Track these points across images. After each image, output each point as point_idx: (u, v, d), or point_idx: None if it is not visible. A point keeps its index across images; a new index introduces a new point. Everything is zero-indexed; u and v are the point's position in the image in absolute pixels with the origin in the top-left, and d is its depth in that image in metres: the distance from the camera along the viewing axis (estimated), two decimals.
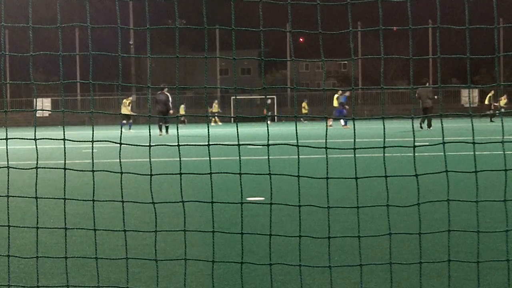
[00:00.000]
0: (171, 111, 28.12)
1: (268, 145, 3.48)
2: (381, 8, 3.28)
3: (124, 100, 36.95)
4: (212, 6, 57.99)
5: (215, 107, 53.80)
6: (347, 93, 36.08)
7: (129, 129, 36.02)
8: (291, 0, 3.37)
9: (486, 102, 41.67)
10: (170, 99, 28.48)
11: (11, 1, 56.66)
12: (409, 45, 3.41)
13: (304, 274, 4.14)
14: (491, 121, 38.19)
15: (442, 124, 3.39)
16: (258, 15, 3.37)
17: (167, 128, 28.44)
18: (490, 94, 41.74)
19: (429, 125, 28.74)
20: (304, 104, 54.00)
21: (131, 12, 61.94)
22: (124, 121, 36.96)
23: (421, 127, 28.29)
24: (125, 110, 35.95)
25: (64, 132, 3.57)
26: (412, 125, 3.53)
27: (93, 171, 3.44)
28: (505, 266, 4.09)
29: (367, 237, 4.96)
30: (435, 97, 30.58)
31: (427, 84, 34.63)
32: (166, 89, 28.08)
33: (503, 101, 41.47)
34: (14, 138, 3.68)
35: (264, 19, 3.37)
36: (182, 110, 53.27)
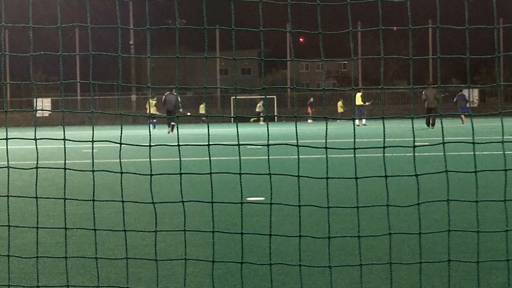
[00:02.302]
0: (180, 110, 30.14)
1: (268, 145, 3.48)
2: (381, 8, 3.28)
3: (151, 100, 37.87)
4: (212, 6, 57.95)
5: (258, 107, 53.72)
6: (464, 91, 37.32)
7: (153, 128, 36.73)
8: (291, 0, 3.37)
9: None
10: (179, 99, 30.44)
11: (11, 1, 56.64)
12: (409, 45, 3.41)
13: (304, 274, 4.14)
14: None
15: (442, 124, 3.39)
16: (258, 15, 3.37)
17: (173, 126, 30.09)
18: None
19: (433, 124, 29.50)
20: (340, 103, 51.13)
21: (131, 12, 61.91)
22: (155, 120, 37.73)
23: (428, 126, 29.15)
24: (152, 110, 37.00)
25: (64, 132, 3.56)
26: (412, 125, 3.53)
27: (93, 171, 3.44)
28: (505, 266, 4.09)
29: (367, 237, 4.96)
30: (441, 96, 31.29)
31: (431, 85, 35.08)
32: (175, 90, 29.49)
33: None
34: (14, 138, 3.68)
35: (264, 19, 3.37)
36: (202, 109, 53.23)
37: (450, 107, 58.22)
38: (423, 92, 30.22)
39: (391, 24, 3.91)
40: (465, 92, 37.17)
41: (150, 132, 3.53)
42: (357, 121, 36.18)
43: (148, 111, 37.85)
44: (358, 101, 35.91)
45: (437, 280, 4.03)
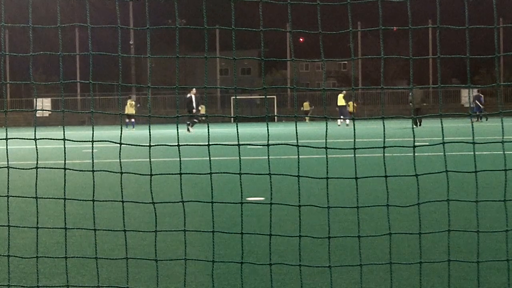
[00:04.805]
0: (194, 111, 31.42)
1: (268, 145, 3.48)
2: (381, 8, 3.28)
3: (129, 101, 40.36)
4: (212, 6, 57.94)
5: (306, 106, 53.65)
6: (479, 92, 38.57)
7: (133, 127, 38.93)
8: (291, 0, 3.37)
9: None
10: (193, 100, 31.35)
11: (11, 1, 56.63)
12: (409, 45, 3.41)
13: (304, 274, 4.14)
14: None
15: (442, 124, 3.39)
16: (258, 15, 3.37)
17: (192, 124, 31.39)
18: None
19: (417, 123, 31.13)
20: (351, 103, 51.15)
21: (131, 12, 61.91)
22: (132, 120, 40.15)
23: (415, 125, 30.49)
24: (131, 110, 39.00)
25: (64, 132, 3.57)
26: (412, 125, 3.54)
27: (93, 171, 3.44)
28: (505, 266, 4.09)
29: (367, 237, 4.96)
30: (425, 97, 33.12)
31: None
32: (194, 90, 31.27)
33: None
34: (14, 138, 3.68)
35: (264, 19, 3.37)
36: (203, 110, 53.53)
37: (449, 107, 58.25)
38: (410, 93, 31.02)
39: (391, 24, 3.91)
40: (481, 93, 38.34)
41: (150, 133, 3.53)
42: (338, 121, 36.86)
43: (126, 111, 40.24)
44: (341, 102, 36.59)
45: (437, 280, 4.03)
